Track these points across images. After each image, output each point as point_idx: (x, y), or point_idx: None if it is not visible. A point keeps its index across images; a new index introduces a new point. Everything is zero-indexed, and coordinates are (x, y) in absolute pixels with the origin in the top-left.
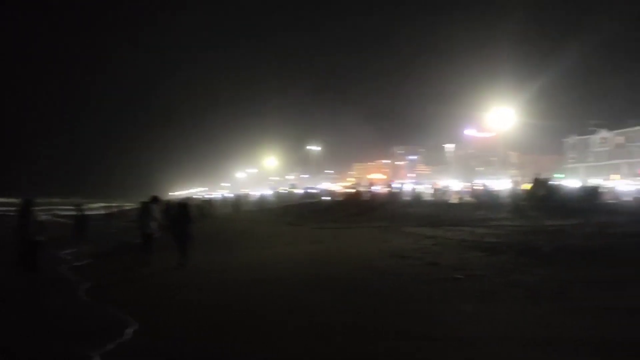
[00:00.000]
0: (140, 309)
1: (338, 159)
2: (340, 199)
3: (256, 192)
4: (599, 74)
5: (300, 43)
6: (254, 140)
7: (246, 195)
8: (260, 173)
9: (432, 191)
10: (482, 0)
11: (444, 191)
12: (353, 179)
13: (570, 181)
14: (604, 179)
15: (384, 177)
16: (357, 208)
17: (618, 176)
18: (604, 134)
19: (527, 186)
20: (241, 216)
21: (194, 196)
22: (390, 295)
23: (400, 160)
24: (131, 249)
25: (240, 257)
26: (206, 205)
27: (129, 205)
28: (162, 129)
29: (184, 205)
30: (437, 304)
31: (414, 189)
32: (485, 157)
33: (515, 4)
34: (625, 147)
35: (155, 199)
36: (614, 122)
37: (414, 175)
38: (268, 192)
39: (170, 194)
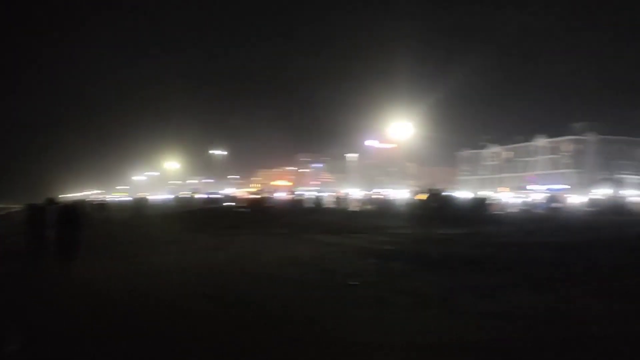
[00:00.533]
0: None
1: (243, 165)
2: (244, 205)
3: (156, 196)
4: (491, 92)
5: (206, 45)
6: (154, 142)
7: (145, 199)
8: (160, 176)
9: (334, 199)
10: (388, 17)
11: (345, 199)
12: (257, 185)
13: (462, 193)
14: (493, 191)
15: (288, 184)
16: (260, 214)
17: (506, 189)
18: (494, 148)
19: (423, 196)
20: (139, 221)
21: (88, 199)
22: (285, 302)
23: (305, 168)
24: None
25: (130, 265)
26: (99, 209)
27: (16, 207)
28: (54, 128)
29: (72, 208)
30: (330, 310)
31: (316, 197)
32: (386, 167)
33: (416, 24)
34: (513, 162)
35: (50, 202)
36: (503, 138)
37: (318, 183)
38: (168, 196)
39: (62, 196)
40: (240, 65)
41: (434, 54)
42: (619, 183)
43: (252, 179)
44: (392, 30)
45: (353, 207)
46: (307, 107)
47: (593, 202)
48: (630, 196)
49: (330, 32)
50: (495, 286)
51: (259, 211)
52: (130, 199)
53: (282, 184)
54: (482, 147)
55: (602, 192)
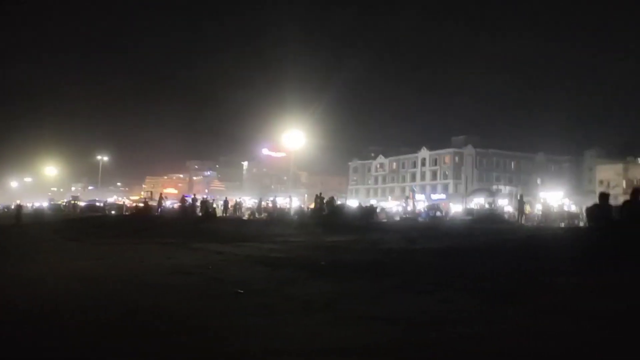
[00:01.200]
0: None
1: (130, 172)
2: (128, 213)
3: (32, 203)
4: (379, 105)
5: (91, 42)
6: (32, 145)
7: (20, 207)
8: (38, 183)
9: (225, 207)
10: (284, 26)
11: (237, 207)
12: (145, 193)
13: (351, 201)
14: (379, 200)
15: (177, 192)
16: (146, 223)
17: (391, 198)
18: (381, 159)
19: (314, 205)
20: (12, 230)
21: None
22: (170, 312)
23: (195, 175)
24: None
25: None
26: None
27: None
28: None
29: None
30: (216, 319)
31: (207, 205)
32: (278, 175)
33: (310, 35)
34: (399, 172)
35: None
36: (390, 149)
37: (209, 190)
38: (46, 204)
39: None
40: (131, 65)
41: (327, 66)
42: (494, 193)
43: (139, 186)
44: (286, 39)
45: (244, 215)
46: (199, 114)
47: (470, 211)
48: (504, 205)
49: (225, 39)
50: (379, 291)
51: (145, 220)
52: (3, 206)
53: (170, 192)
54: (371, 158)
55: (478, 202)
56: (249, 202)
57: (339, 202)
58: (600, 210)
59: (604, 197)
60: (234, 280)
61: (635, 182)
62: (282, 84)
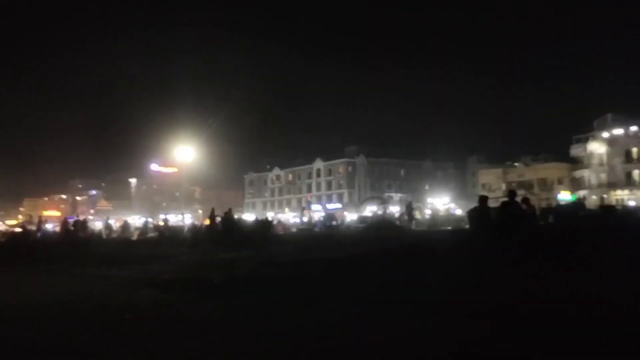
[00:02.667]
0: None
1: (5, 194)
2: (4, 240)
3: None
4: (274, 116)
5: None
6: None
7: None
8: None
9: (113, 227)
10: (173, 39)
11: (125, 227)
12: (23, 217)
13: (248, 215)
14: (277, 212)
15: (59, 213)
16: (24, 249)
17: (288, 210)
18: (277, 171)
19: (208, 221)
20: None
21: None
22: (48, 344)
23: (79, 195)
24: None
25: None
26: None
27: None
28: None
29: None
30: (100, 349)
31: (92, 226)
32: (170, 192)
33: (200, 47)
34: (295, 184)
35: None
36: (286, 161)
37: (95, 211)
38: None
39: None
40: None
41: (220, 79)
42: (386, 200)
43: (16, 209)
44: (177, 52)
45: (134, 236)
46: (82, 129)
47: (363, 219)
48: (395, 212)
49: (112, 51)
50: (272, 305)
51: (24, 246)
52: None
53: (52, 214)
54: (266, 170)
55: (371, 209)
56: (139, 221)
57: (234, 217)
58: (480, 212)
59: (482, 199)
60: (120, 305)
61: (513, 185)
62: (172, 98)
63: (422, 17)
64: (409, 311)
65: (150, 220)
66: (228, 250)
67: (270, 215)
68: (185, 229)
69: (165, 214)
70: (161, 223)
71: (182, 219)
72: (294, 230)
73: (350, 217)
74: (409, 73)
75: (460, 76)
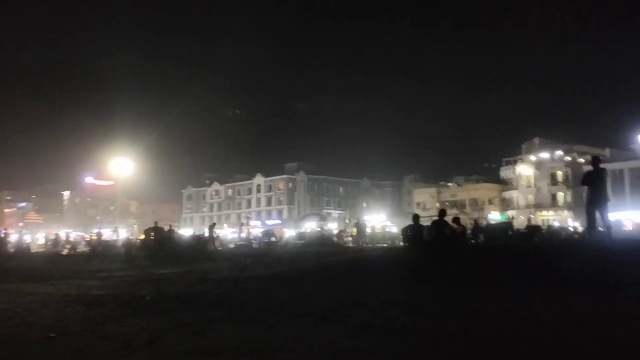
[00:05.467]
0: None
1: None
2: None
3: None
4: (214, 131)
5: None
6: None
7: None
8: None
9: (43, 241)
10: (109, 49)
11: (56, 241)
12: None
13: (185, 230)
14: (217, 228)
15: None
16: None
17: (226, 225)
18: (216, 186)
19: (143, 235)
20: None
21: None
22: None
23: (8, 207)
24: None
25: None
26: None
27: None
28: None
29: None
30: None
31: (20, 240)
32: (104, 205)
33: (135, 57)
34: (234, 199)
35: None
36: (226, 176)
37: (24, 224)
38: None
39: None
40: None
41: (160, 91)
42: (324, 217)
43: None
44: (115, 60)
45: (65, 250)
46: (10, 139)
47: (302, 235)
48: (334, 228)
49: (47, 58)
50: (206, 323)
51: None
52: None
53: None
54: (205, 185)
55: (310, 226)
56: (70, 234)
57: (170, 232)
58: (413, 230)
59: (415, 218)
60: (46, 323)
61: (446, 204)
62: (109, 108)
63: (353, 39)
64: (346, 329)
65: (83, 234)
66: (162, 266)
67: (207, 230)
68: (119, 243)
69: (99, 228)
70: (94, 237)
71: (116, 233)
72: (231, 246)
73: (289, 233)
74: (348, 93)
75: (398, 99)
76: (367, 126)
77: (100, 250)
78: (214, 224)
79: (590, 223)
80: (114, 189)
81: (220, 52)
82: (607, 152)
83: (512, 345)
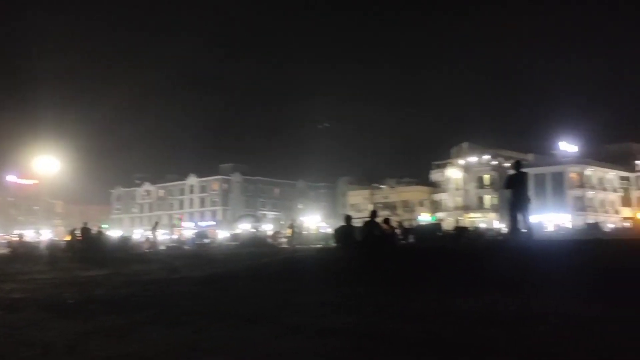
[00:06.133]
0: None
1: None
2: None
3: None
4: (146, 130)
5: None
6: None
7: None
8: None
9: None
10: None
11: None
12: None
13: (114, 231)
14: (146, 230)
15: None
16: None
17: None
18: (147, 187)
19: (69, 237)
20: None
21: None
22: None
23: None
24: None
25: None
26: None
27: None
28: None
29: None
30: None
31: None
32: (27, 205)
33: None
34: (166, 200)
35: None
36: (157, 176)
37: None
38: None
39: None
40: None
41: (88, 88)
42: (259, 218)
43: None
44: (35, 57)
45: None
46: None
47: (236, 236)
48: (269, 230)
49: None
50: (131, 326)
51: None
52: None
53: None
54: (136, 185)
55: (244, 227)
56: None
57: (97, 233)
58: (344, 230)
59: (347, 218)
60: None
61: (379, 206)
62: (33, 105)
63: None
64: (277, 331)
65: (4, 235)
66: (88, 268)
67: (138, 232)
68: (43, 245)
69: (22, 229)
70: (15, 239)
71: (40, 234)
72: (162, 247)
73: (224, 234)
74: (282, 97)
75: (333, 102)
76: (303, 129)
77: (21, 252)
78: (157, 223)
79: (513, 225)
80: (37, 189)
81: (153, 48)
82: (530, 157)
83: (440, 345)
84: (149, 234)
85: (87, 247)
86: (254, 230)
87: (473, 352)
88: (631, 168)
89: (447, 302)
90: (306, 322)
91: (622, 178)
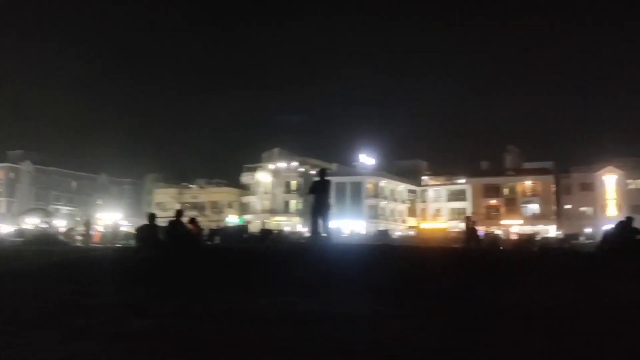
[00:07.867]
0: None
1: None
2: None
3: None
4: None
5: None
6: None
7: None
8: None
9: None
10: None
11: None
12: None
13: None
14: None
15: None
16: None
17: None
18: None
19: None
20: None
21: None
22: None
23: None
24: None
25: None
26: None
27: None
28: None
29: None
30: None
31: None
32: None
33: None
34: None
35: None
36: None
37: None
38: None
39: None
40: None
41: None
42: (51, 213)
43: None
44: None
45: None
46: None
47: (21, 232)
48: (62, 226)
49: None
50: None
51: None
52: None
53: None
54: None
55: (32, 222)
56: None
57: None
58: (147, 229)
59: (151, 217)
60: None
61: (187, 206)
62: None
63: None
64: (61, 334)
65: None
66: None
67: None
68: None
69: None
70: None
71: None
72: None
73: (7, 229)
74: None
75: (146, 94)
76: (108, 122)
77: None
78: None
79: (314, 228)
80: None
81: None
82: (334, 166)
83: (234, 345)
84: None
85: None
86: (45, 226)
87: (264, 350)
88: (418, 182)
89: (247, 302)
90: (97, 325)
91: (410, 191)
